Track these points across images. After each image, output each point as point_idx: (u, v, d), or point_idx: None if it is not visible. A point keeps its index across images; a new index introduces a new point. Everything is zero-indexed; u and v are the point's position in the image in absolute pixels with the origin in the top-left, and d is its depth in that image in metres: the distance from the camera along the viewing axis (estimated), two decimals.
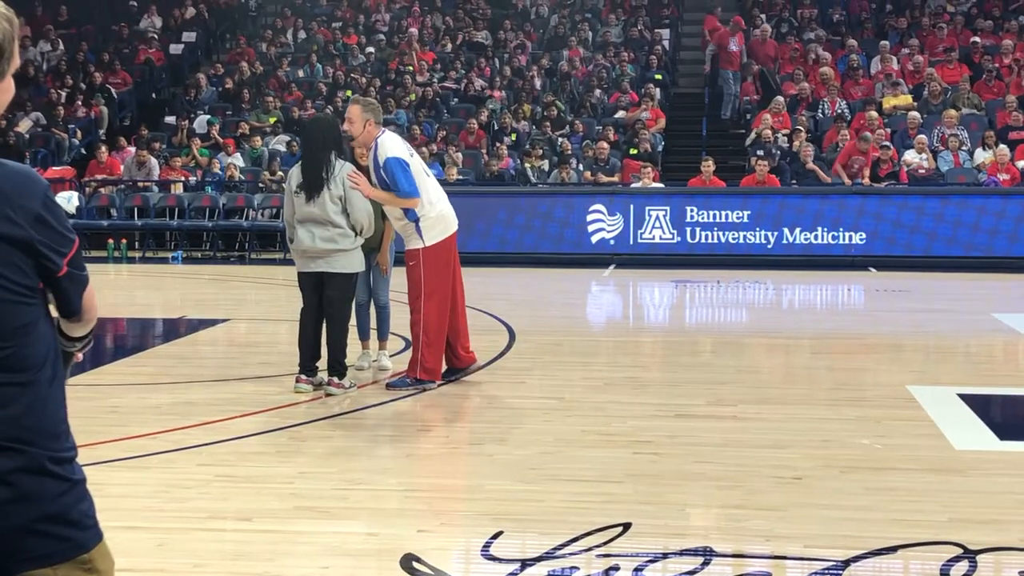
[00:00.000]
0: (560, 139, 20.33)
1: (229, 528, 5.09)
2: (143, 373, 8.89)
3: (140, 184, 20.50)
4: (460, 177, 19.15)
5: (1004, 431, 7.11)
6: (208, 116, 22.43)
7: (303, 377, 8.03)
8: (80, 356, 2.63)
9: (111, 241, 19.15)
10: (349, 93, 23.01)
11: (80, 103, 23.28)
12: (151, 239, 20.21)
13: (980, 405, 7.65)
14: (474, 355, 8.63)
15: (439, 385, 8.21)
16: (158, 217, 19.91)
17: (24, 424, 2.28)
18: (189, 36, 26.67)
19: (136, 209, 20.02)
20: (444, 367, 8.39)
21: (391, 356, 9.07)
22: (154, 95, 25.02)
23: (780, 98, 20.79)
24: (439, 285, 8.11)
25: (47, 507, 2.30)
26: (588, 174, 19.32)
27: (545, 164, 19.78)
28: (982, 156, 18.68)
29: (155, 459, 6.23)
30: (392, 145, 8.03)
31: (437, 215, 8.14)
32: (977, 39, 22.45)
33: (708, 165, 18.31)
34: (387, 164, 7.91)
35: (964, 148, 19.01)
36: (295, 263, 8.18)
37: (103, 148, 21.07)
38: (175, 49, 26.21)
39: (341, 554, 4.81)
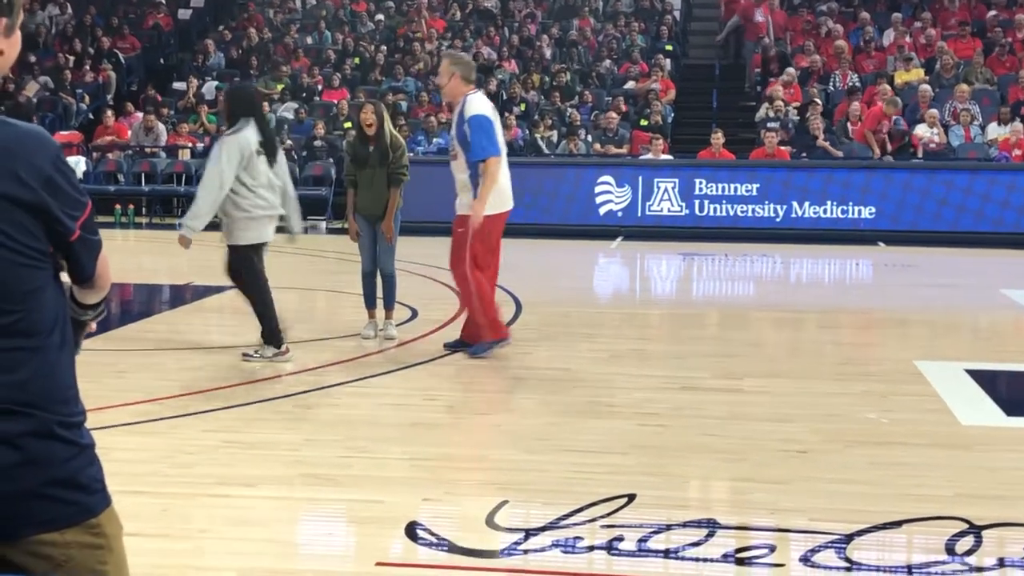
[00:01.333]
0: (569, 110, 20.25)
1: (234, 494, 5.09)
2: (150, 339, 8.89)
3: (147, 150, 20.47)
4: None
5: (1011, 407, 7.09)
6: (216, 82, 22.37)
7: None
8: (94, 326, 2.60)
9: (118, 207, 19.14)
10: (357, 60, 22.97)
11: (88, 68, 23.23)
12: (158, 205, 20.19)
13: (987, 381, 7.63)
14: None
15: (451, 353, 8.23)
16: (165, 183, 19.90)
17: (33, 389, 2.27)
18: (198, 1, 26.58)
19: (143, 175, 20.01)
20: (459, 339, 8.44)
21: (397, 325, 9.06)
22: (162, 60, 24.95)
23: (791, 70, 20.70)
24: (488, 251, 8.13)
25: (55, 471, 2.29)
26: (597, 146, 19.25)
27: (554, 135, 19.71)
28: (996, 131, 18.58)
29: (161, 424, 6.23)
30: (480, 104, 8.06)
31: (501, 189, 8.10)
32: (992, 12, 22.30)
33: (718, 137, 18.24)
34: (472, 120, 7.93)
35: (976, 123, 18.91)
36: (248, 234, 8.02)
37: (110, 113, 21.02)
38: (183, 14, 26.13)
39: (346, 521, 4.81)
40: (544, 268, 14.57)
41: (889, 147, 18.32)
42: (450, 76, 8.17)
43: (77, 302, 2.50)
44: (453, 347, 8.40)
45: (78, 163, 19.54)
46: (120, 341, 8.52)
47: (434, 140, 19.46)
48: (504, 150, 8.25)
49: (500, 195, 8.15)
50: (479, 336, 8.44)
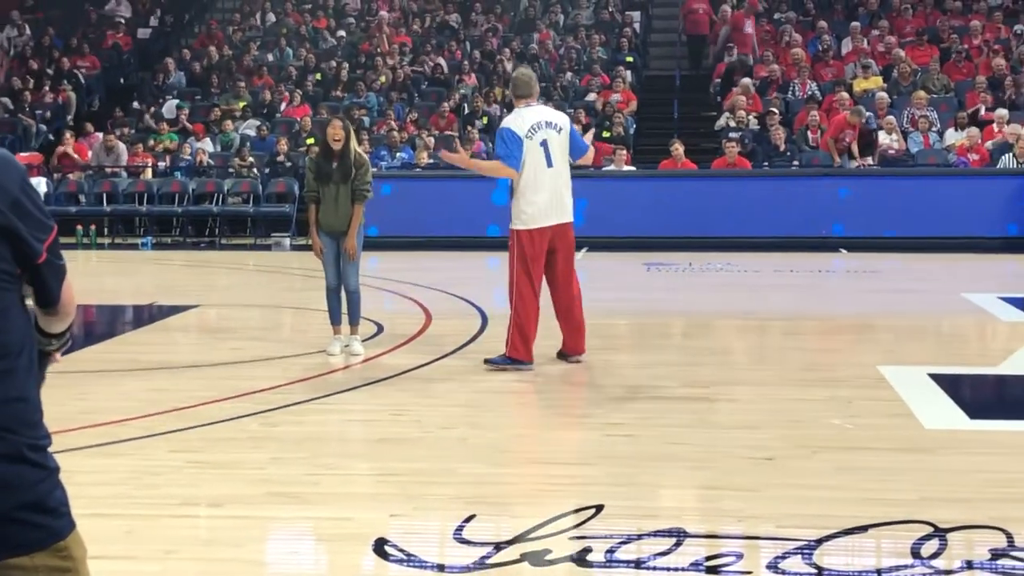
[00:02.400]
0: None
1: (200, 515, 5.07)
2: (113, 360, 8.83)
3: (108, 170, 20.34)
4: (431, 161, 19.09)
5: (974, 410, 7.14)
6: (177, 101, 22.30)
7: None
8: (59, 356, 2.58)
9: (80, 227, 18.99)
10: (319, 76, 22.94)
11: (47, 88, 23.08)
12: (120, 225, 20.07)
13: (950, 384, 7.69)
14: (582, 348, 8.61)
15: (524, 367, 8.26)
16: (127, 203, 19.79)
17: (4, 411, 2.26)
18: (154, 20, 26.48)
19: (105, 195, 19.88)
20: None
21: (363, 341, 9.04)
22: (122, 80, 24.82)
23: (747, 80, 20.83)
24: (526, 270, 8.33)
25: (25, 495, 2.28)
26: None
27: None
28: (954, 137, 18.76)
29: (125, 446, 6.19)
30: (513, 119, 8.44)
31: (533, 205, 8.31)
32: (946, 20, 22.56)
33: (677, 148, 18.29)
34: (498, 133, 8.46)
35: (934, 129, 19.09)
36: None
37: (69, 135, 20.90)
38: (143, 33, 26.02)
39: (314, 539, 4.80)
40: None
41: (855, 150, 18.40)
42: (512, 97, 8.65)
43: (42, 331, 2.49)
44: (564, 358, 8.53)
45: (39, 184, 19.39)
46: (84, 363, 8.46)
47: (397, 155, 19.46)
48: (551, 170, 8.32)
49: (533, 215, 8.33)
50: (579, 347, 8.52)
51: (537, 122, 8.35)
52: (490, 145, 19.72)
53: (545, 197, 8.32)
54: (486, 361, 8.36)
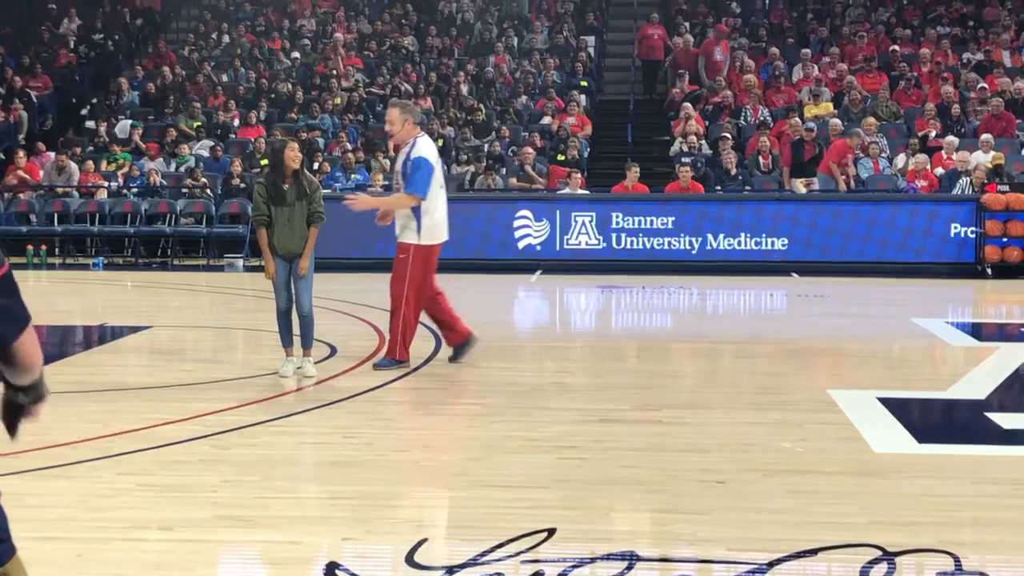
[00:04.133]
0: (486, 145, 20.35)
1: (150, 538, 5.02)
2: (64, 381, 8.73)
3: (60, 190, 20.18)
4: (386, 183, 19.07)
5: (922, 434, 7.22)
6: (131, 120, 22.17)
7: None
8: (36, 410, 2.49)
9: (30, 247, 18.82)
10: (273, 97, 22.88)
11: None
12: (71, 245, 19.91)
13: (899, 408, 7.77)
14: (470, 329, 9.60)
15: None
16: (78, 223, 19.63)
17: None
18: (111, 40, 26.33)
19: (56, 215, 19.72)
20: (453, 347, 9.60)
21: (316, 363, 9.01)
22: (74, 100, 24.64)
23: (687, 104, 21.06)
24: (422, 279, 9.19)
25: None
26: (513, 180, 19.35)
27: (471, 169, 19.78)
28: (904, 163, 18.98)
29: (75, 468, 6.13)
30: (427, 148, 9.17)
31: (435, 221, 9.22)
32: (896, 47, 22.87)
33: (633, 172, 18.40)
34: (416, 161, 9.05)
35: (884, 155, 19.33)
36: None
37: (21, 153, 20.72)
38: (96, 52, 25.85)
39: (264, 563, 4.77)
40: (463, 302, 14.53)
41: (849, 175, 18.62)
42: (403, 122, 9.21)
43: (9, 384, 2.43)
44: (455, 358, 9.47)
45: None
46: None
47: (352, 176, 19.44)
48: (443, 191, 9.35)
49: (435, 230, 9.23)
50: (466, 334, 9.53)
51: (437, 153, 9.42)
52: (446, 167, 19.77)
53: (442, 215, 9.32)
54: (375, 366, 9.14)
